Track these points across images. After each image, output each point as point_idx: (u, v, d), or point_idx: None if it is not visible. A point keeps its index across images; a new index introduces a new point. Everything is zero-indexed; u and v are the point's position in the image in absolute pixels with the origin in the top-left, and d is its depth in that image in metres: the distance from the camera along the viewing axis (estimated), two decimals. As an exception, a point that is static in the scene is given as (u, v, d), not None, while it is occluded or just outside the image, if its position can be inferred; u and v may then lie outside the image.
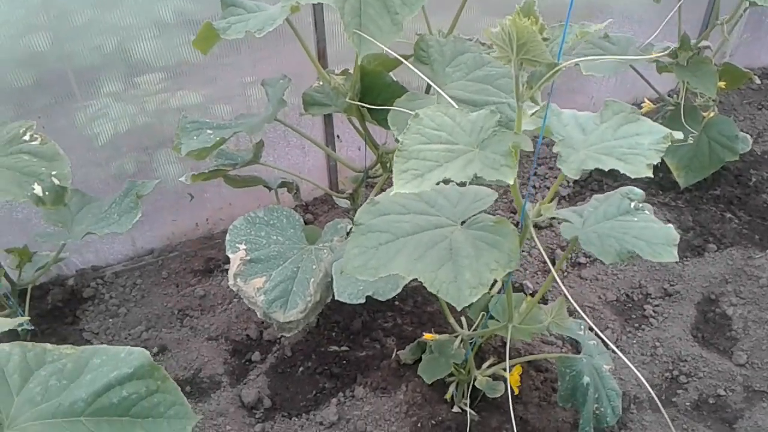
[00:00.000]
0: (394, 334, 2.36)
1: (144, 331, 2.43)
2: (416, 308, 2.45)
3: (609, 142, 1.30)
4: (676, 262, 2.72)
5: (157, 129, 2.55)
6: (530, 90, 1.26)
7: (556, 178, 3.17)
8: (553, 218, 1.56)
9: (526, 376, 2.18)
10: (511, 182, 1.18)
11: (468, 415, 2.00)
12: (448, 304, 1.60)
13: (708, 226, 2.93)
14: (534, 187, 3.18)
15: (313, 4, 2.46)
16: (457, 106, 1.33)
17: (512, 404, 1.73)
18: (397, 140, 1.26)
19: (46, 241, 2.20)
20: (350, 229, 1.83)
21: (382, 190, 2.19)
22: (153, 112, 2.51)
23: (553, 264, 2.67)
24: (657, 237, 1.48)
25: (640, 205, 1.61)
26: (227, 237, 2.14)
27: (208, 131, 2.03)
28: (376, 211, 1.48)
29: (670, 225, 1.52)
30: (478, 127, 1.27)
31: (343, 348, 2.33)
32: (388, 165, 2.18)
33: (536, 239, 1.43)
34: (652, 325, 2.47)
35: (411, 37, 1.87)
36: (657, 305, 2.56)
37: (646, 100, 3.15)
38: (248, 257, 2.09)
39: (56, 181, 1.76)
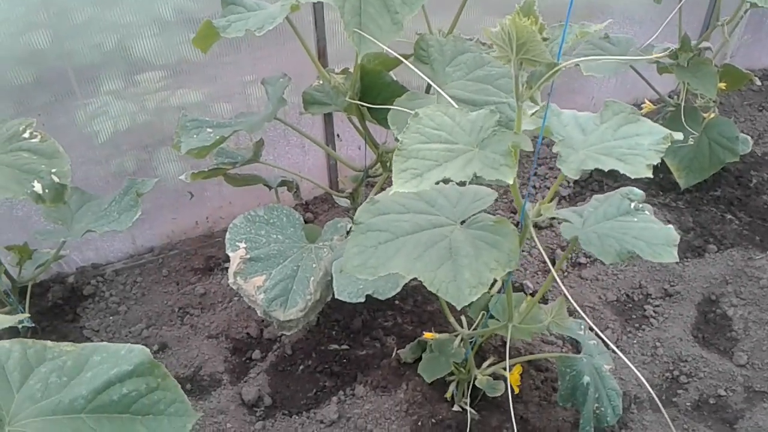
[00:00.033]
0: (394, 332, 2.37)
1: (144, 329, 2.44)
2: (416, 307, 2.46)
3: (609, 143, 1.30)
4: (677, 263, 2.72)
5: (157, 127, 2.55)
6: (530, 90, 1.26)
7: (556, 178, 3.17)
8: (554, 218, 1.56)
9: (526, 376, 2.19)
10: (511, 182, 1.18)
11: (468, 414, 2.01)
12: (448, 303, 1.60)
13: (708, 227, 2.93)
14: (534, 187, 3.18)
15: (314, 3, 2.45)
16: (456, 106, 1.33)
17: (512, 403, 1.73)
18: (397, 139, 1.26)
19: (46, 239, 2.21)
20: (350, 228, 1.83)
21: (382, 189, 2.19)
22: (153, 110, 2.51)
23: (554, 264, 2.67)
24: (657, 237, 1.48)
25: (640, 205, 1.61)
26: (227, 235, 2.14)
27: (208, 130, 2.03)
28: (375, 210, 1.48)
29: (670, 226, 1.52)
30: (478, 126, 1.27)
31: (344, 347, 2.33)
32: (388, 164, 2.18)
33: (536, 239, 1.43)
34: (652, 326, 2.47)
35: (411, 37, 1.87)
36: (657, 305, 2.56)
37: (646, 100, 3.15)
38: (248, 256, 2.09)
39: (56, 179, 1.76)
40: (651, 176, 1.16)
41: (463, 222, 1.47)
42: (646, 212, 1.59)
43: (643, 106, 3.07)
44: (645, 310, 2.53)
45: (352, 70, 1.95)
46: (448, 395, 2.08)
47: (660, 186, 3.17)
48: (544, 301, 2.50)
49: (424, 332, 2.04)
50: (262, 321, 2.42)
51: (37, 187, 1.74)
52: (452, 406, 2.07)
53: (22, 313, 2.17)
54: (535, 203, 1.48)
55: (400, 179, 1.18)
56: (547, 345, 2.35)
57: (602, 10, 3.32)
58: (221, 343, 2.38)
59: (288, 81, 2.16)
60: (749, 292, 2.58)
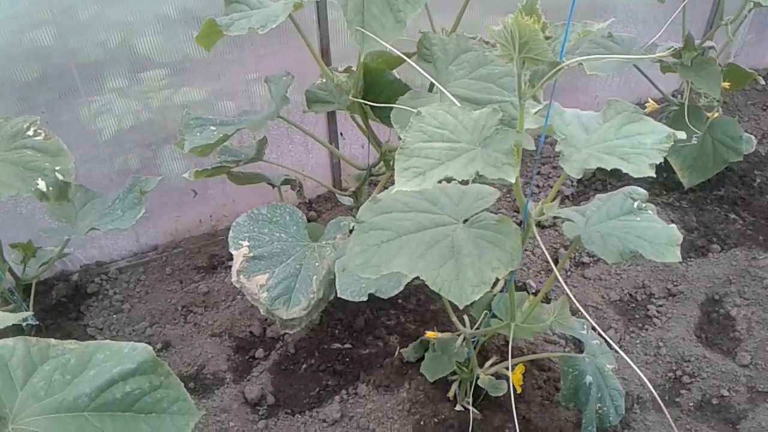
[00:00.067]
0: (397, 332, 2.37)
1: (148, 327, 2.44)
2: (419, 306, 2.46)
3: (611, 142, 1.30)
4: (680, 263, 2.72)
5: (160, 125, 2.55)
6: (532, 88, 1.26)
7: (559, 177, 3.17)
8: (557, 217, 1.56)
9: (528, 375, 2.18)
10: (513, 181, 1.18)
11: (470, 413, 2.01)
12: (450, 302, 1.60)
13: (712, 227, 2.92)
14: (537, 186, 3.17)
15: (317, 1, 2.46)
16: (459, 104, 1.33)
17: (515, 403, 1.73)
18: (400, 138, 1.26)
19: (50, 237, 2.21)
20: (353, 226, 1.83)
21: (385, 187, 2.19)
22: (157, 108, 2.51)
23: (557, 263, 2.66)
24: (660, 237, 1.48)
25: (643, 204, 1.61)
26: (230, 234, 2.14)
27: (211, 128, 2.03)
28: (378, 209, 1.48)
29: (673, 225, 1.52)
30: (481, 125, 1.27)
31: (346, 345, 2.33)
32: (391, 163, 2.18)
33: (539, 238, 1.43)
34: (655, 325, 2.47)
35: (414, 35, 1.87)
36: (660, 305, 2.55)
37: (650, 100, 3.14)
38: (251, 254, 2.09)
39: (60, 177, 1.76)
40: (654, 175, 1.15)
41: (465, 221, 1.47)
42: (649, 211, 1.59)
43: (646, 105, 3.07)
44: (648, 310, 2.53)
45: (355, 68, 1.95)
46: (450, 395, 2.08)
47: (663, 185, 3.16)
48: (547, 300, 2.49)
49: (426, 331, 2.04)
50: (265, 320, 2.42)
51: (41, 184, 1.74)
52: (455, 406, 2.07)
53: (26, 310, 2.18)
54: (537, 202, 1.48)
55: (403, 178, 1.18)
56: (549, 344, 2.35)
57: (606, 9, 3.32)
58: (224, 341, 2.38)
59: (291, 79, 2.16)
60: (753, 292, 2.58)
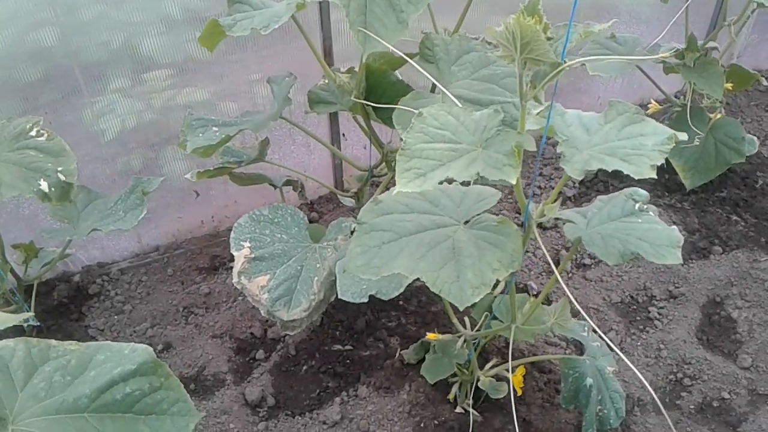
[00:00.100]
0: (398, 333, 2.37)
1: (149, 328, 2.44)
2: (420, 308, 2.45)
3: (613, 143, 1.30)
4: (682, 265, 2.71)
5: (163, 126, 2.55)
6: (534, 89, 1.26)
7: (561, 178, 3.17)
8: (558, 219, 1.56)
9: (529, 377, 2.18)
10: (514, 182, 1.18)
11: (471, 415, 2.00)
12: (451, 304, 1.60)
13: (714, 229, 2.92)
14: (539, 187, 3.17)
15: (320, 2, 2.46)
16: (461, 105, 1.33)
17: (515, 405, 1.73)
18: (401, 139, 1.26)
19: (52, 237, 2.21)
20: (354, 227, 1.83)
21: (387, 188, 2.19)
22: (160, 109, 2.51)
23: (558, 265, 2.66)
24: (661, 239, 1.47)
25: (645, 206, 1.61)
26: (232, 234, 2.14)
27: (214, 128, 2.03)
28: (379, 210, 1.48)
29: (674, 227, 1.52)
30: (482, 126, 1.27)
31: (347, 347, 2.33)
32: (393, 164, 2.18)
33: (539, 240, 1.43)
34: (656, 328, 2.46)
35: (417, 36, 1.87)
36: (662, 307, 2.55)
37: (652, 100, 3.14)
38: (252, 255, 2.09)
39: (62, 177, 1.77)
40: (655, 177, 1.15)
41: (466, 222, 1.47)
42: (651, 213, 1.59)
43: (649, 106, 3.07)
44: (649, 312, 2.52)
45: (357, 69, 1.95)
46: (450, 396, 2.08)
47: (665, 187, 3.16)
48: (548, 302, 2.49)
49: (427, 333, 2.03)
50: (266, 321, 2.42)
51: (44, 185, 1.75)
52: (455, 408, 2.07)
53: (27, 311, 2.18)
54: (539, 203, 1.48)
55: (404, 179, 1.18)
56: (550, 346, 2.34)
57: (609, 10, 3.31)
58: (225, 342, 2.38)
59: (294, 80, 2.17)
60: (754, 294, 2.57)
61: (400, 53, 1.65)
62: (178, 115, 2.52)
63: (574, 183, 3.18)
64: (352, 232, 2.17)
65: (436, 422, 2.04)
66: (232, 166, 2.25)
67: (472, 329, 1.98)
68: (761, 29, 3.89)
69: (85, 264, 2.70)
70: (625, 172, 1.19)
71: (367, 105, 1.93)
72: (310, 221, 2.58)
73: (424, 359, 2.10)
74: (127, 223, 2.10)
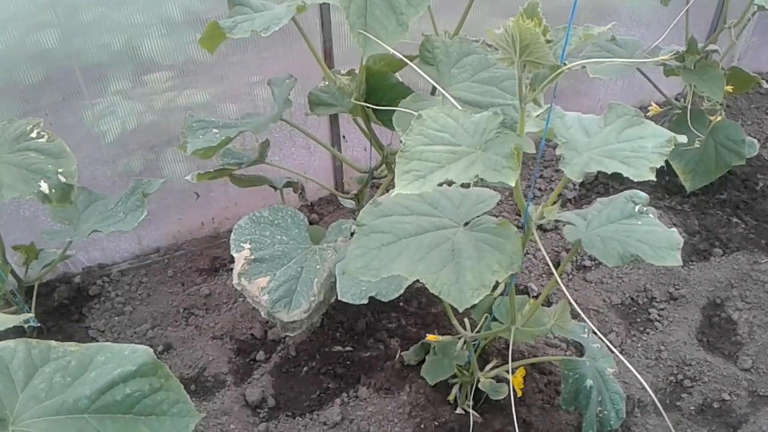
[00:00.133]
0: (398, 334, 2.37)
1: (149, 330, 2.44)
2: (420, 309, 2.46)
3: (612, 145, 1.30)
4: (682, 266, 2.72)
5: (164, 127, 2.55)
6: (533, 92, 1.26)
7: (561, 180, 3.17)
8: (559, 221, 1.56)
9: (529, 379, 2.18)
10: (513, 184, 1.18)
11: (471, 416, 2.01)
12: (451, 305, 1.60)
13: (714, 231, 2.92)
14: (540, 189, 3.17)
15: (320, 5, 2.46)
16: (461, 108, 1.33)
17: (515, 406, 1.73)
18: (401, 141, 1.26)
19: (52, 239, 2.22)
20: (354, 229, 1.84)
21: (387, 190, 2.19)
22: (160, 111, 2.52)
23: (558, 266, 2.66)
24: (660, 241, 1.48)
25: (645, 208, 1.61)
26: (232, 236, 2.15)
27: (214, 130, 2.04)
28: (378, 212, 1.48)
29: (674, 229, 1.52)
30: (481, 128, 1.27)
31: (347, 348, 2.34)
32: (393, 166, 2.18)
33: (539, 242, 1.43)
34: (657, 329, 2.47)
35: (417, 38, 1.87)
36: (662, 309, 2.55)
37: (653, 103, 3.14)
38: (253, 257, 2.09)
39: (63, 179, 1.77)
40: (654, 179, 1.15)
41: (466, 224, 1.47)
42: (650, 215, 1.59)
43: (649, 108, 3.07)
44: (650, 314, 2.53)
45: (357, 71, 1.95)
46: (451, 398, 2.08)
47: (666, 189, 3.16)
48: (548, 303, 2.49)
49: (427, 334, 2.04)
50: (267, 322, 2.43)
51: (44, 186, 1.75)
52: (455, 409, 2.07)
53: (28, 312, 2.18)
54: (539, 206, 1.48)
55: (403, 181, 1.18)
56: (550, 348, 2.34)
57: (609, 12, 3.32)
58: (226, 344, 2.39)
59: (294, 82, 2.17)
60: (754, 296, 2.57)
61: (400, 56, 1.65)
62: (178, 117, 2.52)
63: (575, 185, 3.18)
64: (352, 234, 2.18)
65: (436, 423, 2.04)
66: (232, 167, 2.25)
67: (472, 331, 1.98)
68: (762, 32, 3.90)
69: (86, 265, 2.71)
70: (624, 175, 1.19)
71: (367, 107, 1.94)
72: (311, 223, 2.58)
73: (424, 360, 2.11)
74: (127, 225, 2.11)
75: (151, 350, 1.19)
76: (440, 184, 1.17)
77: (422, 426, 2.04)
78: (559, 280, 1.36)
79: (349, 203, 2.52)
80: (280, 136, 2.79)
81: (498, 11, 2.91)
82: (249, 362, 2.33)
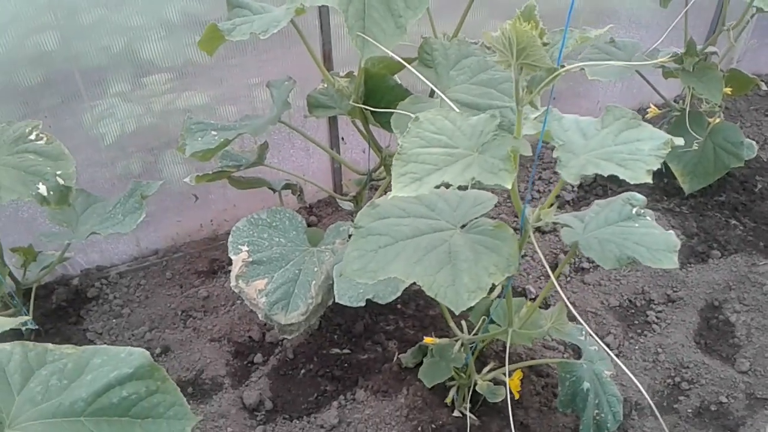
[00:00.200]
0: (396, 337, 2.37)
1: (147, 332, 2.44)
2: (418, 311, 2.46)
3: (609, 148, 1.30)
4: (680, 269, 2.72)
5: (163, 129, 2.56)
6: (530, 94, 1.26)
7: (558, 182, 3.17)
8: (557, 223, 1.56)
9: (527, 381, 2.18)
10: (509, 186, 1.18)
11: (468, 419, 2.01)
12: (448, 307, 1.60)
13: (712, 233, 2.92)
14: (538, 191, 3.17)
15: (319, 7, 2.46)
16: (458, 110, 1.33)
17: (513, 409, 1.73)
18: (399, 143, 1.26)
19: (51, 241, 2.22)
20: (351, 231, 1.84)
21: (385, 192, 2.20)
22: (159, 113, 2.52)
23: (556, 268, 2.66)
24: (658, 243, 1.48)
25: (642, 211, 1.61)
26: (230, 238, 2.15)
27: (213, 132, 2.04)
28: (375, 214, 1.48)
29: (671, 231, 1.52)
30: (478, 131, 1.27)
31: (345, 351, 2.33)
32: (391, 168, 2.18)
33: (536, 244, 1.43)
34: (654, 331, 2.47)
35: (416, 40, 1.87)
36: (660, 311, 2.55)
37: (652, 105, 3.14)
38: (250, 259, 2.09)
39: (61, 181, 1.77)
40: (651, 182, 1.15)
41: (463, 226, 1.47)
42: (648, 218, 1.59)
43: (648, 110, 3.07)
44: (647, 316, 2.53)
45: (356, 73, 1.95)
46: (448, 400, 2.08)
47: (664, 191, 3.16)
48: (546, 305, 2.49)
49: (425, 337, 2.04)
50: (265, 324, 2.43)
51: (42, 189, 1.75)
52: (452, 412, 2.07)
53: (26, 315, 2.19)
54: (536, 208, 1.48)
55: (400, 183, 1.18)
56: (548, 350, 2.34)
57: (609, 15, 3.32)
58: (223, 346, 2.39)
59: (293, 84, 2.17)
60: (752, 298, 2.57)
61: (399, 58, 1.65)
62: (177, 119, 2.53)
63: (573, 187, 3.18)
64: (349, 236, 2.18)
65: (433, 426, 2.04)
66: (231, 170, 2.25)
67: (469, 333, 1.98)
68: (761, 34, 3.90)
69: (84, 267, 2.71)
70: (621, 177, 1.19)
71: (366, 109, 1.94)
72: (309, 225, 2.58)
73: (421, 363, 2.11)
74: (125, 227, 2.11)
75: (148, 353, 1.19)
76: (437, 187, 1.17)
77: (419, 429, 2.04)
78: (556, 283, 1.36)
79: (347, 205, 2.53)
80: (278, 138, 2.79)
81: (497, 13, 2.91)
82: (246, 365, 2.33)
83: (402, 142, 1.23)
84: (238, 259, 2.09)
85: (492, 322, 1.91)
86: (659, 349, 2.38)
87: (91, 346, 1.20)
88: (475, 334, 1.95)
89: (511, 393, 1.81)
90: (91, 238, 2.17)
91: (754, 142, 3.16)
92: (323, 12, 2.50)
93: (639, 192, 1.68)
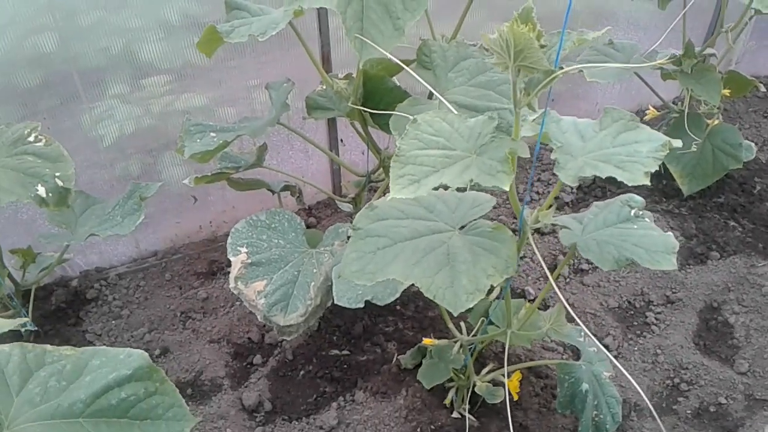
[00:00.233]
0: (395, 338, 2.37)
1: (146, 333, 2.44)
2: (417, 313, 2.46)
3: (607, 150, 1.30)
4: (679, 270, 2.72)
5: (162, 131, 2.56)
6: (528, 96, 1.26)
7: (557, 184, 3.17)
8: (555, 224, 1.56)
9: (526, 383, 2.18)
10: (507, 188, 1.18)
11: (467, 420, 2.01)
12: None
13: (711, 234, 2.92)
14: (537, 192, 3.17)
15: (318, 9, 2.47)
16: (456, 112, 1.33)
17: (512, 410, 1.73)
18: (397, 145, 1.26)
19: (50, 242, 2.22)
20: (350, 233, 1.84)
21: (384, 194, 2.20)
22: (158, 115, 2.52)
23: (555, 269, 2.66)
24: (656, 245, 1.48)
25: (640, 212, 1.61)
26: (229, 240, 2.15)
27: (212, 134, 2.04)
28: (374, 215, 1.48)
29: (670, 233, 1.52)
30: (476, 132, 1.27)
31: (344, 352, 2.34)
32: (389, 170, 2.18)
33: (534, 246, 1.43)
34: (653, 333, 2.47)
35: (415, 42, 1.88)
36: (659, 313, 2.55)
37: (650, 107, 3.15)
38: (249, 260, 2.09)
39: (60, 183, 1.77)
40: (649, 183, 1.16)
41: (461, 228, 1.47)
42: (646, 219, 1.59)
43: (647, 112, 3.08)
44: (646, 317, 2.53)
45: (355, 75, 1.96)
46: (447, 402, 2.08)
47: (663, 192, 3.16)
48: (545, 307, 2.49)
49: (424, 338, 2.04)
50: (264, 326, 2.43)
51: (41, 190, 1.75)
52: (451, 413, 2.07)
53: (25, 316, 2.19)
54: (536, 209, 1.48)
55: (398, 185, 1.18)
56: (547, 351, 2.34)
57: (607, 16, 3.32)
58: (223, 347, 2.39)
59: (292, 86, 2.17)
60: (751, 299, 2.58)
61: (397, 60, 1.66)
62: (176, 121, 2.53)
63: (572, 189, 3.18)
64: (348, 238, 2.18)
65: (432, 427, 2.04)
66: (230, 171, 2.25)
67: (468, 334, 1.98)
68: (759, 36, 3.90)
69: (83, 269, 2.71)
70: (619, 179, 1.19)
71: (365, 111, 1.94)
72: (308, 226, 2.58)
73: (420, 364, 2.11)
74: (124, 229, 2.11)
75: (147, 354, 1.19)
76: (436, 188, 1.17)
77: (418, 430, 2.04)
78: (554, 284, 1.36)
79: (346, 207, 2.53)
80: (277, 139, 2.79)
81: (495, 15, 2.91)
82: (246, 366, 2.33)
83: (400, 143, 1.24)
84: (237, 261, 2.09)
85: (491, 323, 1.91)
86: (658, 351, 2.38)
87: (90, 348, 1.20)
88: (474, 336, 1.95)
89: (510, 394, 1.82)
90: (90, 239, 2.17)
91: (752, 144, 3.16)
92: (322, 14, 2.50)
93: (638, 193, 1.68)
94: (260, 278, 2.07)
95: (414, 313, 2.45)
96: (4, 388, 1.13)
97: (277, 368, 2.30)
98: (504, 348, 2.16)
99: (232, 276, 2.07)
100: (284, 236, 2.20)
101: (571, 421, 2.10)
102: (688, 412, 2.19)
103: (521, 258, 2.73)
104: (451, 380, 2.04)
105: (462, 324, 2.03)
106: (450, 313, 1.90)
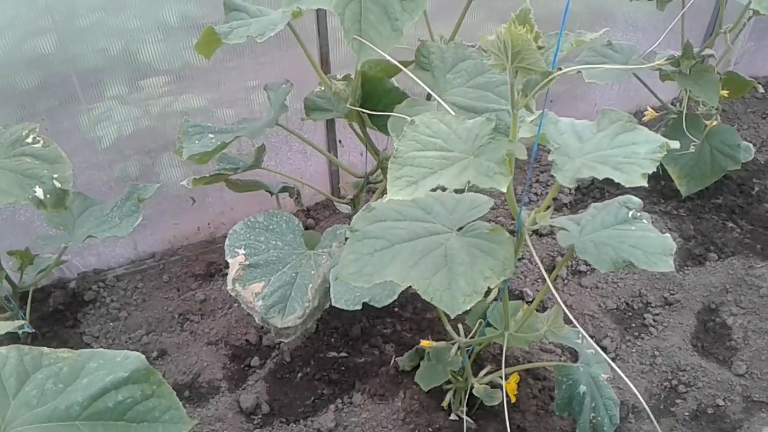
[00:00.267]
0: (393, 340, 2.37)
1: (144, 335, 2.44)
2: (415, 315, 2.46)
3: (605, 151, 1.30)
4: (677, 271, 2.72)
5: (160, 132, 2.56)
6: (526, 98, 1.26)
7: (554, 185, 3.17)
8: (553, 226, 1.56)
9: (524, 384, 2.18)
10: (505, 190, 1.18)
11: (465, 422, 2.00)
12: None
13: (709, 235, 2.92)
14: (536, 194, 3.17)
15: (317, 10, 2.47)
16: (454, 113, 1.33)
17: (509, 412, 1.73)
18: (394, 147, 1.26)
19: (47, 244, 2.22)
20: (347, 234, 1.84)
21: (382, 195, 2.19)
22: (157, 116, 2.52)
23: (553, 271, 2.66)
24: (654, 246, 1.48)
25: (638, 214, 1.61)
26: (227, 242, 2.15)
27: (210, 135, 2.04)
28: (372, 217, 1.48)
29: (668, 234, 1.52)
30: (474, 134, 1.27)
31: (342, 354, 2.33)
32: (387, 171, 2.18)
33: (532, 248, 1.43)
34: (651, 334, 2.47)
35: (413, 43, 1.88)
36: (657, 314, 2.55)
37: (649, 108, 3.15)
38: (247, 262, 2.09)
39: (58, 184, 1.77)
40: (646, 185, 1.15)
41: (459, 229, 1.47)
42: (644, 221, 1.59)
43: (645, 113, 3.07)
44: (644, 319, 2.53)
45: (353, 76, 1.96)
46: (445, 404, 2.08)
47: (661, 194, 3.16)
48: (543, 308, 2.49)
49: (422, 340, 2.04)
50: (262, 328, 2.42)
51: (39, 192, 1.75)
52: (449, 415, 2.07)
53: (22, 318, 2.18)
54: (533, 211, 1.48)
55: (395, 187, 1.18)
56: (545, 353, 2.34)
57: (606, 17, 3.33)
58: (220, 349, 2.38)
59: (290, 87, 2.17)
60: (749, 301, 2.58)
61: (395, 61, 1.66)
62: (174, 122, 2.52)
63: (570, 190, 3.19)
64: (346, 239, 2.18)
65: (430, 429, 2.04)
66: (228, 172, 2.25)
67: (466, 336, 1.98)
68: (758, 36, 3.91)
69: (81, 270, 2.71)
70: (617, 181, 1.19)
71: (363, 112, 1.94)
72: (307, 228, 2.58)
73: (418, 366, 2.10)
74: (122, 230, 2.11)
75: (143, 357, 1.19)
76: (433, 190, 1.17)
77: None
78: (552, 286, 1.36)
79: (345, 208, 2.52)
80: (276, 141, 2.79)
81: (494, 16, 2.91)
82: (243, 368, 2.32)
83: (397, 145, 1.23)
84: (235, 263, 2.09)
85: (489, 325, 1.90)
86: (656, 352, 2.38)
87: (87, 350, 1.20)
88: (472, 338, 1.95)
89: (507, 396, 1.81)
90: (88, 241, 2.17)
91: (751, 145, 3.16)
92: (320, 15, 2.50)
93: (636, 195, 1.68)
94: (258, 280, 2.07)
95: (412, 315, 2.45)
96: (0, 391, 1.13)
97: (275, 370, 2.30)
98: (502, 350, 2.15)
99: (230, 278, 2.07)
100: (282, 238, 2.20)
101: (568, 423, 2.10)
102: (686, 413, 2.19)
103: (519, 259, 2.73)
104: (448, 382, 2.04)
105: (460, 326, 2.03)
106: (448, 315, 1.90)
